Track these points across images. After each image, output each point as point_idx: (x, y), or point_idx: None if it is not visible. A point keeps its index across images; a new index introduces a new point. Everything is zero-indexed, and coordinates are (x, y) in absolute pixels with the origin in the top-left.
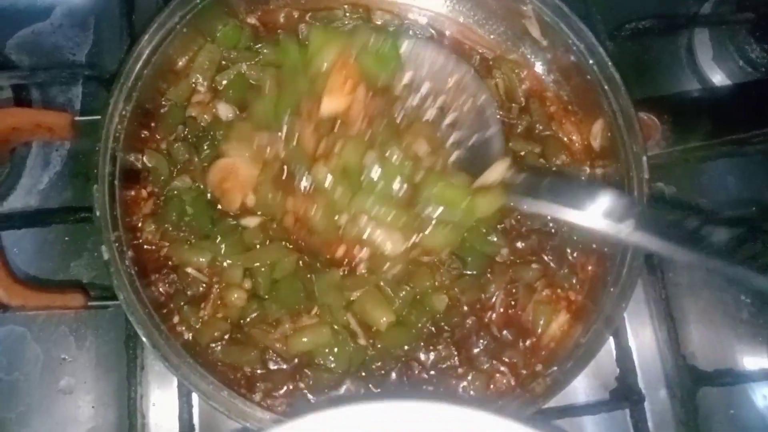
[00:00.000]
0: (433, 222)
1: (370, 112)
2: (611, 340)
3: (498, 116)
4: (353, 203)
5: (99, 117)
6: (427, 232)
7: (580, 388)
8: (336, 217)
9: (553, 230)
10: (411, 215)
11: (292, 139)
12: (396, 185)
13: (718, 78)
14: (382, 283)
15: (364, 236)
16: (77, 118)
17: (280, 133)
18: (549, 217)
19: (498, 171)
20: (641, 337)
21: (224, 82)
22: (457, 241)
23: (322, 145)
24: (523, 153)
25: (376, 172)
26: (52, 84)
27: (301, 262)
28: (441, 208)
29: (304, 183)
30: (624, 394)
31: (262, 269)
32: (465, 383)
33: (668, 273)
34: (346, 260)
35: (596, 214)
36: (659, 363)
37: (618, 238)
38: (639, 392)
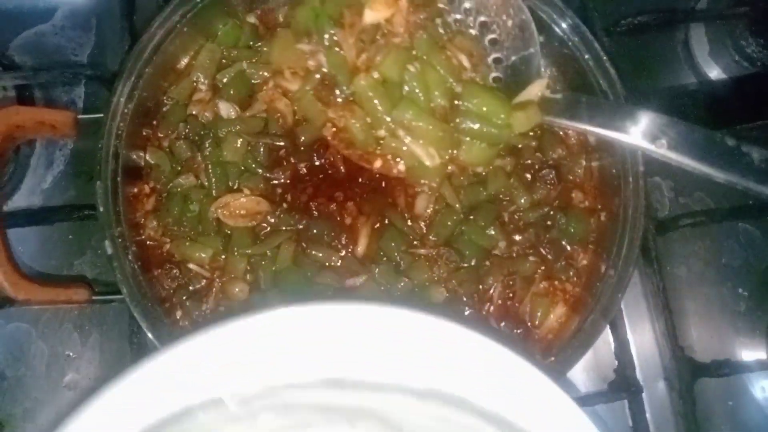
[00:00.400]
0: (470, 137)
1: (413, 23)
2: (609, 333)
3: (537, 36)
4: (393, 115)
5: (101, 115)
6: (463, 147)
7: (580, 381)
8: (374, 130)
9: (549, 223)
10: (449, 129)
11: (333, 48)
12: (436, 98)
13: (715, 73)
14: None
15: (402, 149)
16: (80, 116)
17: (321, 43)
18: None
19: (536, 89)
20: (639, 329)
21: (225, 80)
22: (492, 158)
23: (364, 56)
24: (519, 146)
25: (416, 84)
26: (55, 84)
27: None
28: (479, 124)
29: (345, 94)
30: (622, 385)
31: (263, 262)
32: None
33: (666, 266)
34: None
35: (631, 133)
36: (657, 355)
37: (654, 154)
38: (637, 384)
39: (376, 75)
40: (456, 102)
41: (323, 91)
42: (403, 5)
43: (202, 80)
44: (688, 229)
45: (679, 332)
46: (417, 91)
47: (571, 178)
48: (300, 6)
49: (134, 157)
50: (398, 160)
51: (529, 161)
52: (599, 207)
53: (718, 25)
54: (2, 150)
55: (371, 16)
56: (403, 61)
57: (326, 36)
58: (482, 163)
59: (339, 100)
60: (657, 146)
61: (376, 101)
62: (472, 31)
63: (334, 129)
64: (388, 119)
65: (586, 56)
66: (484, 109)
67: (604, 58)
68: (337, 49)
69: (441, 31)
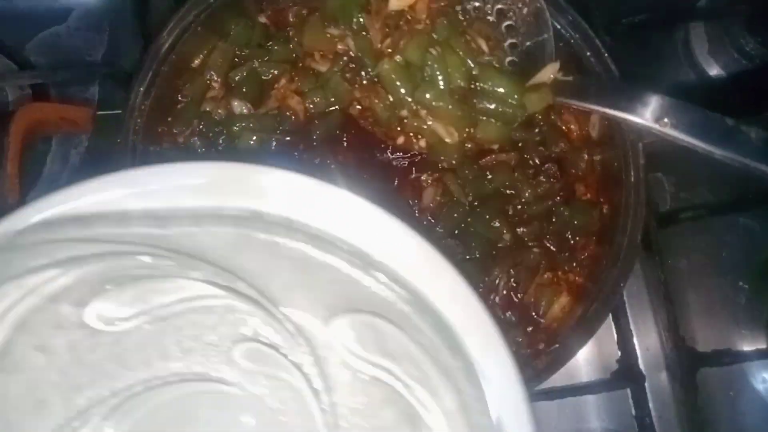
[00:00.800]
0: (487, 116)
1: (434, 10)
2: (612, 324)
3: (550, 23)
4: (415, 96)
5: (119, 111)
6: (480, 126)
7: (584, 370)
8: (397, 109)
9: (553, 216)
10: (467, 109)
11: (360, 33)
12: (455, 80)
13: (714, 70)
14: None
15: (423, 127)
16: (99, 112)
17: (349, 28)
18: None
19: (549, 72)
20: (641, 321)
21: (237, 78)
22: (507, 136)
23: (388, 40)
24: (521, 144)
25: (437, 67)
26: (71, 83)
27: None
28: (495, 104)
29: (370, 75)
30: (625, 374)
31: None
32: None
33: (667, 259)
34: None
35: (637, 113)
36: (659, 345)
37: (658, 133)
38: (640, 373)
39: (399, 58)
40: (474, 83)
41: (350, 72)
42: None
43: (215, 78)
44: (689, 223)
45: (680, 324)
46: (437, 73)
47: (573, 171)
48: None
49: (151, 151)
50: (419, 137)
51: (533, 156)
52: (601, 200)
53: (717, 24)
54: (26, 144)
55: (396, 3)
56: (424, 45)
57: (354, 21)
58: (497, 140)
59: (365, 81)
60: (661, 125)
61: (398, 83)
62: (490, 18)
63: (359, 108)
64: (410, 100)
65: (588, 53)
66: (500, 90)
67: (605, 54)
68: (363, 33)
69: (460, 17)
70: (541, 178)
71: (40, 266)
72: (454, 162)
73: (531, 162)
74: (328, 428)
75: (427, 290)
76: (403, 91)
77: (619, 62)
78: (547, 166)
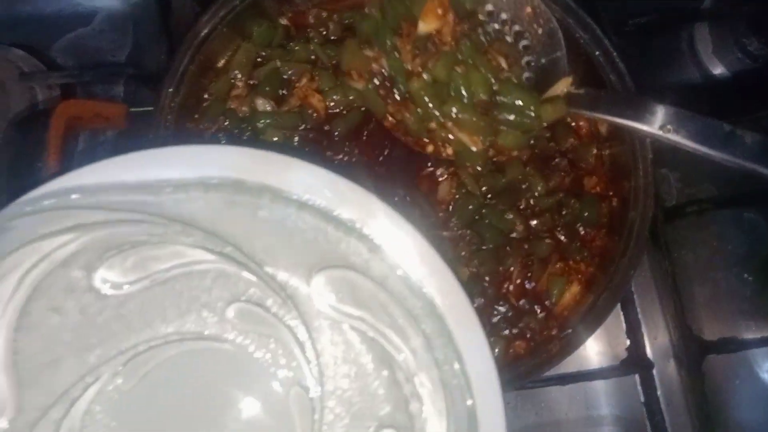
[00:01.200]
0: (507, 126)
1: (458, 33)
2: (621, 314)
3: (563, 42)
4: (442, 110)
5: (151, 108)
6: (501, 135)
7: (593, 358)
8: (426, 122)
9: (563, 208)
10: (489, 120)
11: (393, 54)
12: (478, 94)
13: (719, 70)
14: None
15: (450, 137)
16: (132, 109)
17: (383, 50)
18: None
19: (562, 86)
20: (649, 311)
21: (260, 77)
22: (526, 143)
23: (417, 60)
24: (535, 138)
25: (461, 83)
26: (98, 83)
27: None
28: (514, 115)
29: (402, 92)
30: (634, 361)
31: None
32: None
33: (674, 252)
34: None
35: (643, 121)
36: (666, 334)
37: (662, 139)
38: (648, 360)
39: (427, 77)
40: (495, 97)
41: (383, 89)
42: (450, 18)
43: (239, 77)
44: (695, 216)
45: (687, 314)
46: (462, 89)
47: (583, 165)
48: (365, 19)
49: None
50: (447, 146)
51: (544, 151)
52: (611, 193)
53: (722, 24)
54: (65, 138)
55: (424, 27)
56: (450, 64)
57: (387, 44)
58: (517, 147)
59: (397, 97)
60: (665, 132)
61: (427, 99)
62: (508, 38)
63: (393, 120)
64: (438, 114)
65: (597, 53)
66: (519, 102)
67: (614, 54)
68: (395, 54)
69: (482, 39)
70: (552, 172)
71: (53, 232)
72: (479, 168)
73: (542, 157)
74: (314, 376)
75: (391, 246)
76: (431, 105)
77: (626, 62)
78: (557, 160)
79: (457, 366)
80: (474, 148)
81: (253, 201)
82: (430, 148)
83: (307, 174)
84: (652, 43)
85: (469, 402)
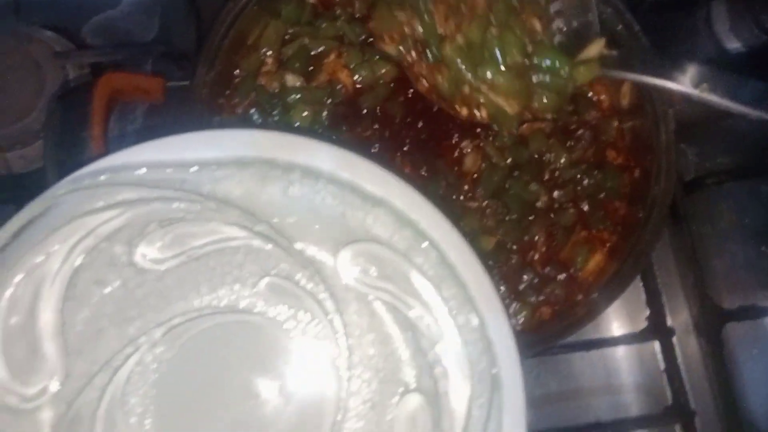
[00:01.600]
0: (541, 89)
1: None
2: (641, 284)
3: (594, 5)
4: (476, 73)
5: (187, 82)
6: (536, 97)
7: (615, 328)
8: (460, 86)
9: (586, 179)
10: (523, 83)
11: (425, 17)
12: (512, 57)
13: (736, 47)
14: None
15: (485, 100)
16: (169, 84)
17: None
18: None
19: (595, 48)
20: (668, 283)
21: (289, 53)
22: (559, 105)
23: (451, 23)
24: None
25: (495, 46)
26: (128, 61)
27: None
28: (548, 77)
29: (435, 55)
30: (654, 329)
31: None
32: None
33: (692, 225)
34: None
35: (678, 80)
36: (685, 304)
37: (697, 98)
38: (668, 328)
39: (461, 40)
40: (529, 60)
41: (416, 53)
42: None
43: (269, 54)
44: (713, 189)
45: (706, 285)
46: (496, 52)
47: (604, 138)
48: None
49: (213, 120)
50: (481, 109)
51: (567, 124)
52: (632, 164)
53: (739, 1)
54: (107, 110)
55: None
56: (484, 27)
57: (419, 6)
58: (552, 109)
59: (430, 60)
60: (700, 90)
61: (461, 62)
62: (541, 1)
63: (426, 84)
64: (472, 77)
65: (619, 27)
66: (553, 65)
67: (636, 27)
68: (428, 17)
69: (514, 1)
70: (575, 144)
71: (99, 208)
72: (515, 131)
73: (565, 129)
74: (341, 345)
75: (413, 221)
76: (465, 69)
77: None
78: (579, 133)
79: (479, 332)
80: (509, 111)
81: (284, 178)
82: (464, 112)
83: (334, 154)
84: (669, 21)
85: (493, 368)
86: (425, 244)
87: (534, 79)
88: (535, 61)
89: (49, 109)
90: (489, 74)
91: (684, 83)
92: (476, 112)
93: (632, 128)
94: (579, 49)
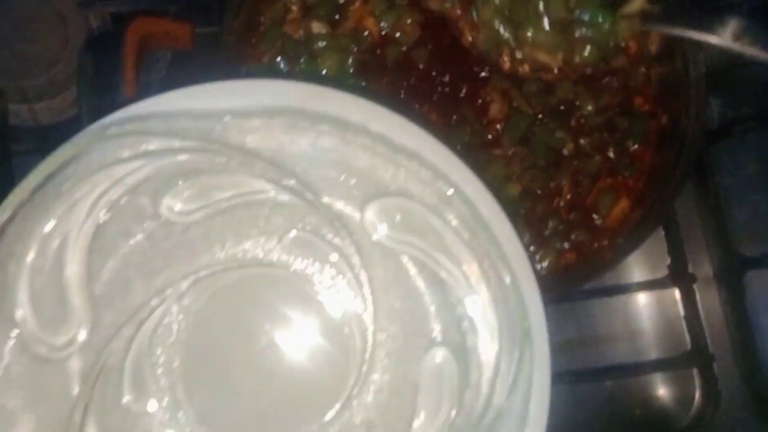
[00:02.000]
0: (584, 44)
1: None
2: (662, 233)
3: None
4: (518, 31)
5: (215, 28)
6: (578, 52)
7: (637, 275)
8: (502, 43)
9: (613, 126)
10: (565, 39)
11: None
12: (555, 13)
13: None
14: None
15: (527, 56)
16: (198, 30)
17: None
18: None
19: (637, 3)
20: (691, 230)
21: (314, 0)
22: (599, 60)
23: None
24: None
25: (538, 3)
26: (151, 12)
27: None
28: (590, 32)
29: (478, 11)
30: (675, 276)
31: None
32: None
33: (716, 175)
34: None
35: (718, 34)
36: (707, 252)
37: (737, 51)
38: (689, 275)
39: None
40: (572, 15)
41: (461, 8)
42: None
43: (294, 1)
44: (736, 140)
45: (728, 233)
46: (540, 7)
47: (632, 84)
48: None
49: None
50: (524, 64)
51: (594, 70)
52: (660, 111)
53: None
54: (139, 55)
55: None
56: None
57: None
58: (593, 64)
59: (474, 17)
60: (741, 44)
61: (501, 20)
62: None
63: (469, 39)
64: (513, 35)
65: None
66: (594, 18)
67: None
68: None
69: None
70: (602, 91)
71: (127, 157)
72: (531, 88)
73: (592, 76)
74: (367, 299)
75: (443, 174)
76: (507, 27)
77: None
78: (607, 80)
79: (509, 288)
80: (552, 65)
81: (313, 129)
82: (506, 66)
83: (365, 106)
84: None
85: (523, 323)
86: (457, 199)
87: (577, 34)
88: (577, 15)
89: (81, 55)
90: (531, 31)
91: (725, 37)
92: (519, 67)
93: (660, 75)
94: (622, 4)
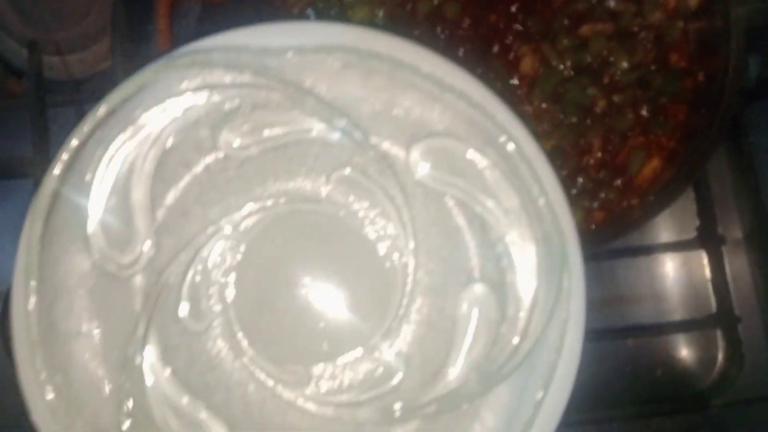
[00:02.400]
0: None
1: None
2: (693, 193)
3: None
4: None
5: None
6: None
7: (664, 236)
8: None
9: (647, 83)
10: None
11: None
12: None
13: None
14: None
15: None
16: None
17: None
18: None
19: None
20: (722, 192)
21: None
22: None
23: None
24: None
25: None
26: None
27: None
28: None
29: None
30: (703, 238)
31: None
32: None
33: (750, 136)
34: None
35: None
36: (737, 215)
37: None
38: (718, 237)
39: None
40: None
41: None
42: None
43: None
44: None
45: (761, 194)
46: None
47: (668, 40)
48: None
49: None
50: None
51: (628, 26)
52: (696, 68)
53: None
54: (171, 5)
55: None
56: None
57: None
58: None
59: None
60: None
61: None
62: None
63: None
64: None
65: None
66: None
67: None
68: None
69: None
70: (637, 46)
71: (191, 88)
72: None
73: (626, 32)
74: (410, 236)
75: (492, 112)
76: None
77: None
78: (642, 35)
79: (550, 227)
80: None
81: (365, 68)
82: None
83: (414, 49)
84: None
85: (563, 264)
86: (502, 138)
87: None
88: None
89: (114, 6)
90: None
91: None
92: None
93: (698, 30)
94: None
